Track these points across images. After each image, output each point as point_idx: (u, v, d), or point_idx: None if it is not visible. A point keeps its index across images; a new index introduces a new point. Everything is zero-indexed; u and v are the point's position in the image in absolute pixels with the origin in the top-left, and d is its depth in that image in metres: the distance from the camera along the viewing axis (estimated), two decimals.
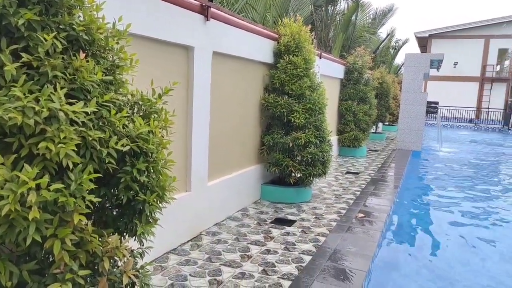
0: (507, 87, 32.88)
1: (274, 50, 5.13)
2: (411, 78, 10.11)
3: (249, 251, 3.46)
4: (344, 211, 4.71)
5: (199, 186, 3.73)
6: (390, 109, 14.20)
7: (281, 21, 5.36)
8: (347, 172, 7.33)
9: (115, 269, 1.62)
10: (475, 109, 28.72)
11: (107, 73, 1.67)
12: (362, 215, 4.37)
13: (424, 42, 35.59)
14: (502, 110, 28.87)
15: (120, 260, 1.55)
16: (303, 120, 4.91)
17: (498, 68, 34.45)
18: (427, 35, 34.42)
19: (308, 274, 2.95)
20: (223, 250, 3.44)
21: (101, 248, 1.44)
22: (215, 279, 2.90)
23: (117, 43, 1.74)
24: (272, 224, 4.21)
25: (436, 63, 10.49)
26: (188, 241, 3.62)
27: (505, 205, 6.44)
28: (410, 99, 10.18)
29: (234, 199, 4.50)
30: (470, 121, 25.42)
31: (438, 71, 12.13)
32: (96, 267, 1.47)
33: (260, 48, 4.81)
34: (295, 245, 3.64)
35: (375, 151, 10.49)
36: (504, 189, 7.62)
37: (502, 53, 33.75)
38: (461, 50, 32.35)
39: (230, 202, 4.42)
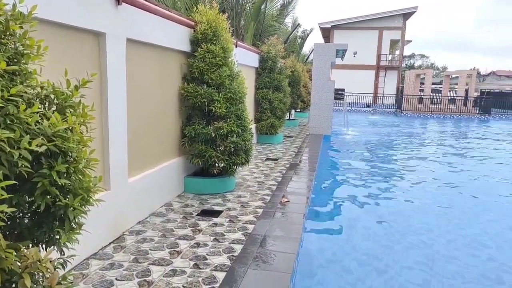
0: (398, 74, 36.82)
1: (191, 38, 4.98)
2: (320, 67, 10.71)
3: (178, 246, 3.36)
4: (268, 198, 4.84)
5: (119, 184, 3.48)
6: (302, 96, 14.93)
7: (196, 8, 5.21)
8: (267, 159, 7.53)
9: (37, 286, 1.42)
10: (372, 94, 31.60)
11: (11, 62, 1.43)
12: (286, 199, 4.53)
13: (327, 33, 37.94)
14: (394, 95, 32.24)
15: (44, 274, 1.37)
16: (224, 110, 4.88)
17: (390, 57, 38.36)
18: (329, 26, 36.74)
19: (241, 263, 2.96)
20: (150, 249, 3.29)
21: (18, 264, 1.25)
22: (144, 280, 2.76)
23: (21, 27, 1.50)
24: (199, 217, 4.14)
25: (341, 53, 11.25)
26: (110, 243, 3.37)
27: (406, 174, 7.30)
28: (320, 86, 10.80)
29: (157, 194, 4.31)
30: (368, 105, 27.88)
31: (342, 60, 13.02)
32: (14, 286, 1.27)
33: (177, 36, 4.62)
34: (224, 235, 3.63)
35: (290, 137, 10.95)
36: (403, 162, 8.60)
37: (393, 43, 37.61)
38: (360, 41, 35.23)
39: (153, 197, 4.23)
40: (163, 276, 2.83)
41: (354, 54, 32.79)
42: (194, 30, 5.01)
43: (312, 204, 4.97)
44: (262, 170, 6.51)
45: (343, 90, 11.84)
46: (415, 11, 35.90)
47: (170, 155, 4.73)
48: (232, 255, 3.17)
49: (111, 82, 3.22)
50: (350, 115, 19.43)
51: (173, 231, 3.71)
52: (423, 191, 6.47)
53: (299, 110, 17.70)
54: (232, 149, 4.93)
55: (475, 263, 3.81)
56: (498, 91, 32.10)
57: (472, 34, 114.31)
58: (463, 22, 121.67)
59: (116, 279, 2.77)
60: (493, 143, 12.69)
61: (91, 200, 1.55)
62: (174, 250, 3.27)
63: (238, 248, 3.32)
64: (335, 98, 11.22)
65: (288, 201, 4.49)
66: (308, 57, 23.96)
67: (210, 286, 2.71)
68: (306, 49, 24.35)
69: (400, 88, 36.50)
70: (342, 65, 26.87)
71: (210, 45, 4.93)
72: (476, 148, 11.50)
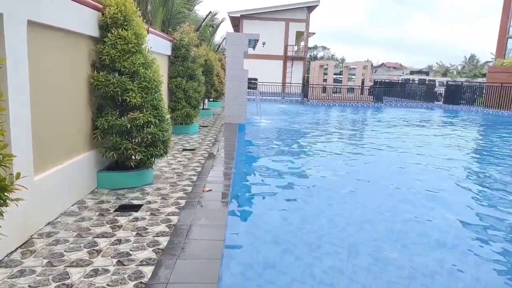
0: (304, 64, 38.91)
1: (99, 22, 4.63)
2: (234, 56, 10.82)
3: (97, 245, 3.17)
4: (189, 188, 4.80)
5: (24, 183, 3.13)
6: (215, 85, 14.92)
7: None
8: (184, 150, 7.42)
9: None
10: (281, 84, 32.92)
11: None
12: (208, 189, 4.55)
13: (236, 22, 38.29)
14: (301, 85, 34.03)
15: None
16: (139, 99, 4.67)
17: (296, 48, 40.29)
18: (239, 15, 37.10)
19: (169, 254, 2.93)
20: (65, 251, 3.05)
21: None
22: (63, 284, 2.57)
23: None
24: (117, 212, 3.95)
25: (253, 42, 11.49)
26: (17, 248, 3.05)
27: (317, 157, 7.86)
28: (234, 76, 10.92)
29: (68, 192, 3.99)
30: (277, 95, 28.97)
31: (254, 49, 13.31)
32: None
33: (84, 19, 4.26)
34: (147, 229, 3.53)
35: (206, 126, 10.91)
36: (313, 146, 9.22)
37: (299, 35, 39.52)
38: (268, 31, 36.30)
39: (64, 196, 3.90)
40: (84, 277, 2.66)
41: (263, 44, 33.70)
42: (103, 14, 4.67)
43: (234, 191, 5.08)
44: (180, 161, 6.41)
45: (256, 79, 12.15)
46: (318, 5, 38.14)
47: (80, 149, 4.39)
48: (158, 248, 3.11)
49: (11, 69, 2.86)
50: (262, 104, 20.02)
51: (90, 229, 3.48)
52: (331, 171, 7.06)
53: (211, 99, 17.68)
54: (150, 140, 4.76)
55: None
56: (388, 81, 35.95)
57: (366, 28, 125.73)
58: (359, 17, 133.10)
59: (29, 286, 2.52)
60: (386, 125, 14.30)
61: (8, 200, 1.39)
62: (93, 249, 3.08)
63: (163, 240, 3.26)
64: (249, 88, 11.47)
65: (210, 190, 4.52)
66: (219, 46, 23.94)
67: (137, 281, 2.63)
68: (217, 38, 24.30)
69: (306, 77, 38.69)
70: (252, 54, 27.41)
71: (122, 30, 4.65)
72: (372, 131, 12.84)
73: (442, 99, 26.30)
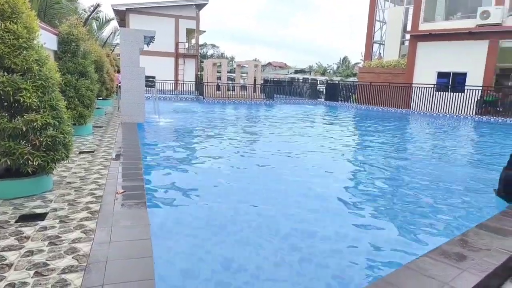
0: (196, 62, 38.89)
1: None
2: (129, 53, 10.38)
3: (6, 259, 2.90)
4: (98, 192, 4.59)
5: None
6: (106, 83, 14.07)
7: None
8: (81, 152, 6.94)
9: None
10: (173, 81, 32.41)
11: None
12: (121, 190, 4.43)
13: (122, 16, 36.25)
14: (194, 82, 34.00)
15: None
16: (36, 100, 4.29)
17: (187, 45, 39.99)
18: (124, 8, 35.20)
19: (96, 258, 2.85)
20: None
21: None
22: None
23: None
24: (20, 223, 3.60)
25: (148, 39, 11.18)
26: None
27: (218, 151, 8.15)
28: (129, 73, 10.48)
29: None
30: (170, 92, 28.49)
31: (148, 46, 12.93)
32: None
33: None
34: (60, 237, 3.33)
35: (100, 127, 10.28)
36: (213, 141, 9.47)
37: (190, 32, 39.30)
38: (158, 27, 35.25)
39: None
40: None
41: (152, 40, 32.65)
42: None
43: (148, 190, 5.04)
44: (80, 165, 6.01)
45: (154, 77, 11.85)
46: (207, 3, 38.46)
47: None
48: (78, 255, 2.99)
49: None
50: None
51: None
52: (231, 165, 7.46)
53: (101, 98, 16.61)
54: (50, 144, 4.41)
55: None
56: (276, 79, 38.27)
57: (254, 28, 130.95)
58: (247, 17, 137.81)
59: None
60: (280, 121, 15.37)
61: None
62: (3, 264, 2.82)
63: (83, 246, 3.13)
64: (146, 86, 11.14)
65: (124, 191, 4.40)
66: (106, 41, 22.45)
67: None
68: (105, 32, 22.76)
69: (198, 75, 38.73)
70: (144, 51, 26.42)
71: (10, 23, 4.20)
72: (266, 126, 13.69)
73: (324, 96, 29.15)
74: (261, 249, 3.82)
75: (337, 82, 31.81)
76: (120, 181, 5.02)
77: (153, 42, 12.19)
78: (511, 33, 19.37)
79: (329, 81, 32.48)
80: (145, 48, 11.58)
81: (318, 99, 28.98)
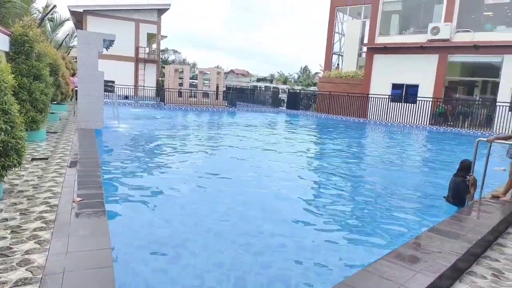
0: (157, 67, 38.21)
1: None
2: (87, 56, 10.03)
3: None
4: (53, 201, 4.38)
5: None
6: (61, 87, 13.49)
7: None
8: (34, 159, 6.59)
9: None
10: (133, 87, 31.60)
11: None
12: (79, 199, 4.25)
13: (79, 17, 34.97)
14: (154, 88, 33.35)
15: None
16: None
17: (148, 50, 39.24)
18: (82, 10, 33.99)
19: (52, 271, 2.71)
20: None
21: None
22: None
23: None
24: None
25: (108, 43, 10.88)
26: None
27: (180, 158, 8.05)
28: (87, 77, 10.12)
29: None
30: (127, 97, 27.62)
31: (107, 50, 12.57)
32: None
33: None
34: (12, 248, 3.14)
35: (54, 132, 9.81)
36: (174, 149, 9.35)
37: (151, 37, 38.62)
38: (117, 31, 34.30)
39: None
40: None
41: (112, 44, 31.72)
42: None
43: (107, 199, 4.88)
44: (33, 172, 5.71)
45: (113, 82, 11.51)
46: (169, 8, 38.03)
47: None
48: (33, 266, 2.83)
49: None
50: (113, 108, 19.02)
51: None
52: (192, 172, 7.46)
53: (56, 102, 15.88)
54: (1, 150, 4.17)
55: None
56: (239, 87, 38.44)
57: (216, 34, 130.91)
58: (209, 23, 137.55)
59: None
60: (241, 128, 15.44)
61: None
62: None
63: (37, 257, 2.97)
64: (105, 90, 10.79)
65: (82, 200, 4.24)
66: (62, 43, 21.55)
67: None
68: (60, 34, 21.86)
69: (160, 81, 38.05)
70: (102, 55, 25.61)
71: None
72: (229, 133, 13.71)
73: (285, 104, 29.64)
74: (219, 254, 3.82)
75: (298, 91, 32.49)
76: (77, 189, 4.83)
77: (112, 46, 11.87)
78: (458, 48, 20.79)
79: (290, 90, 33.10)
80: (104, 51, 11.25)
81: (280, 107, 29.42)
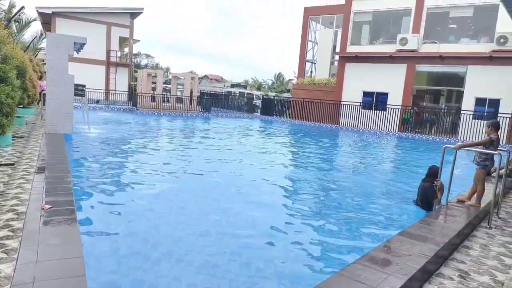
0: (129, 72, 37.54)
1: None
2: (57, 59, 9.74)
3: None
4: (20, 208, 4.22)
5: None
6: (28, 90, 13.01)
7: None
8: None
9: None
10: (104, 91, 30.87)
11: None
12: (48, 206, 4.11)
13: (48, 19, 33.92)
14: (126, 92, 32.72)
15: None
16: None
17: (120, 54, 38.50)
18: (50, 12, 32.98)
19: (20, 281, 2.60)
20: None
21: None
22: None
23: None
24: None
25: (79, 46, 10.61)
26: None
27: (151, 164, 7.91)
28: (57, 80, 9.81)
29: None
30: (98, 102, 27.01)
31: (78, 53, 12.25)
32: None
33: None
34: None
35: (21, 137, 9.44)
36: (147, 155, 9.19)
37: (122, 40, 37.91)
38: (88, 33, 33.37)
39: None
40: None
41: (82, 47, 30.88)
42: None
43: (79, 206, 4.75)
44: None
45: (84, 86, 11.21)
46: (142, 12, 37.52)
47: None
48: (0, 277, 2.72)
49: None
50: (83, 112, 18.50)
51: None
52: (163, 178, 7.40)
53: (22, 106, 15.29)
54: None
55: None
56: (213, 92, 38.32)
57: (190, 39, 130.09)
58: (183, 28, 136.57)
59: None
60: (216, 134, 15.39)
61: None
62: None
63: (4, 267, 2.85)
64: (76, 94, 10.49)
65: (52, 207, 4.09)
66: (29, 45, 20.80)
67: None
68: (27, 35, 21.09)
69: (132, 85, 37.37)
70: (72, 58, 24.89)
71: None
72: (202, 139, 13.64)
73: (259, 110, 29.80)
74: (190, 264, 3.79)
75: (272, 97, 32.76)
76: (46, 196, 4.66)
77: (82, 49, 11.58)
78: (425, 59, 21.66)
79: (264, 96, 33.33)
80: (74, 54, 10.95)
81: (254, 113, 29.55)
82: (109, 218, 4.94)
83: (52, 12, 33.01)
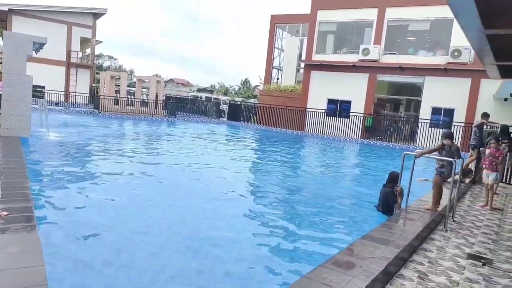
0: (91, 73, 36.36)
1: None
2: (14, 59, 9.28)
3: None
4: None
5: None
6: None
7: None
8: None
9: None
10: (63, 92, 29.68)
11: None
12: (5, 213, 3.90)
13: (4, 16, 32.28)
14: (88, 95, 31.63)
15: None
16: None
17: (81, 54, 37.23)
18: (6, 9, 31.41)
19: None
20: None
21: None
22: None
23: None
24: None
25: (38, 46, 10.17)
26: None
27: (113, 169, 7.73)
28: (13, 81, 9.34)
29: None
30: (57, 104, 25.93)
31: (36, 53, 11.74)
32: None
33: None
34: None
35: None
36: (110, 159, 8.95)
37: (84, 41, 36.71)
38: (47, 33, 32.01)
39: None
40: None
41: (42, 47, 29.56)
42: None
43: (38, 211, 4.55)
44: None
45: (43, 87, 10.74)
46: (105, 13, 36.55)
47: None
48: None
49: None
50: (41, 114, 17.69)
51: None
52: (123, 182, 7.30)
53: None
54: None
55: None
56: (179, 96, 37.87)
57: (156, 42, 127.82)
58: (148, 30, 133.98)
59: None
60: (181, 139, 15.21)
61: None
62: None
63: None
64: (34, 96, 10.03)
65: (9, 214, 3.89)
66: None
67: None
68: None
69: (94, 87, 36.19)
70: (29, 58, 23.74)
71: None
72: (166, 144, 13.44)
73: (226, 115, 29.77)
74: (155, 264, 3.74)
75: (239, 102, 32.86)
76: (3, 201, 4.42)
77: (42, 49, 11.12)
78: (386, 69, 22.60)
79: (231, 101, 33.36)
80: (33, 54, 10.49)
81: (221, 118, 29.48)
82: (70, 224, 4.77)
83: (8, 9, 31.45)
